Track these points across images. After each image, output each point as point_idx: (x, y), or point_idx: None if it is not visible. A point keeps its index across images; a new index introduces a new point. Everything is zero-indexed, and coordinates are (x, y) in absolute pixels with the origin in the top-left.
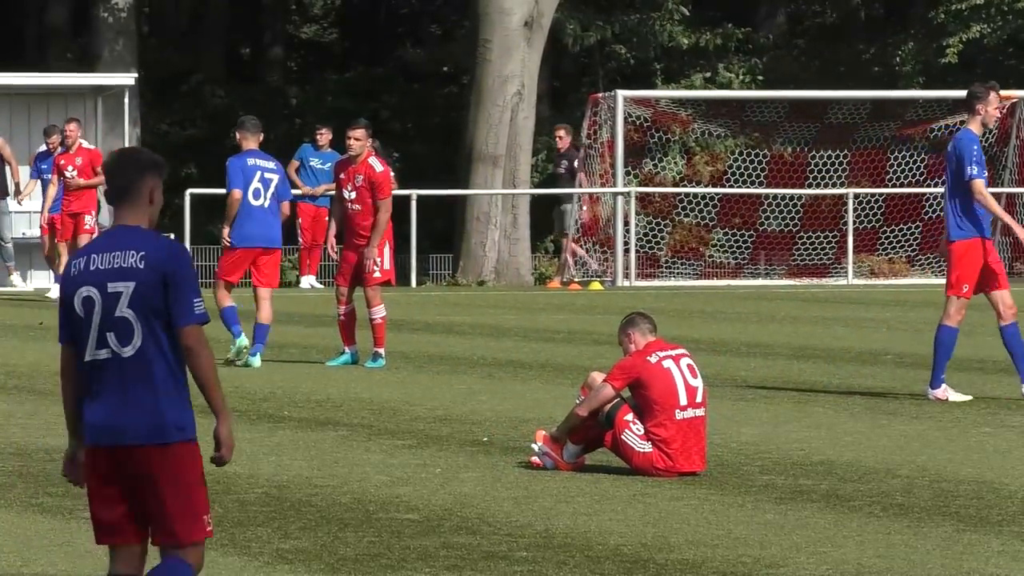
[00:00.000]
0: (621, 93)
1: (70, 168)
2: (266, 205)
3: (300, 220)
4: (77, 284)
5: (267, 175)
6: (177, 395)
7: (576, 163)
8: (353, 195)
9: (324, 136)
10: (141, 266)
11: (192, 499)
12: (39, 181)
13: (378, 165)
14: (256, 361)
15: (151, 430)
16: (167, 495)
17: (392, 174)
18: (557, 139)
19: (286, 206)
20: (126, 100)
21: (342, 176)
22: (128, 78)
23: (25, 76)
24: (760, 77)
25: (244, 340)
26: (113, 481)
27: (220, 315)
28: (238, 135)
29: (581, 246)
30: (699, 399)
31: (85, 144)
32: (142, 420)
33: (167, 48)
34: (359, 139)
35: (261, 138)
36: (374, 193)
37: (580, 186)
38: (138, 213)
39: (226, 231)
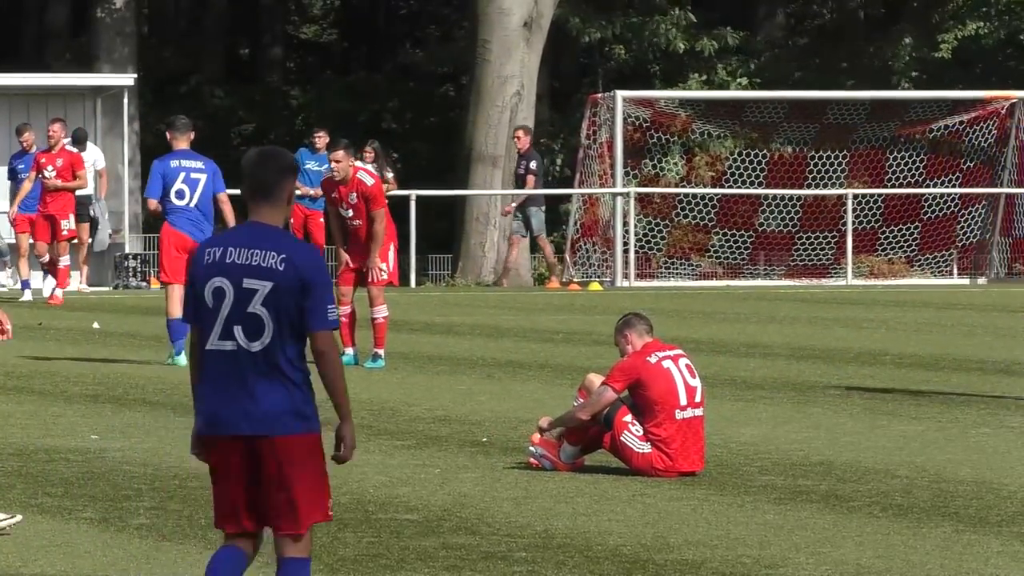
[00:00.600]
0: (620, 93)
1: (50, 168)
2: (192, 204)
3: (292, 220)
4: (210, 273)
5: (193, 175)
6: (300, 390)
7: (534, 164)
8: (350, 212)
9: (321, 139)
10: (281, 268)
11: (315, 488)
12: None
13: (367, 178)
14: (184, 359)
15: (274, 421)
16: (290, 485)
17: (385, 181)
18: (516, 140)
19: (224, 197)
20: (125, 100)
21: (334, 195)
22: (127, 78)
23: (24, 76)
24: (758, 80)
25: (183, 360)
26: (234, 469)
27: (167, 324)
28: (168, 135)
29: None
30: (698, 399)
31: (68, 146)
32: (263, 412)
33: (166, 48)
34: (340, 160)
35: (192, 137)
36: (368, 205)
37: (527, 187)
38: (276, 213)
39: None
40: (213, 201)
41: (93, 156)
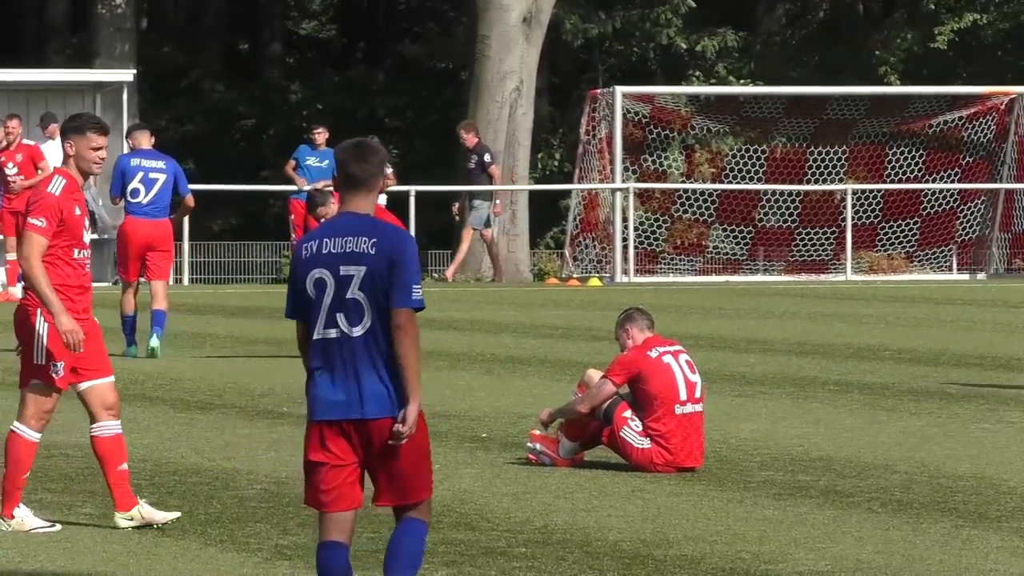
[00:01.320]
0: (620, 89)
1: (10, 164)
2: (145, 202)
3: (292, 216)
4: (309, 266)
5: (152, 174)
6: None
7: (488, 157)
8: None
9: (321, 135)
10: (372, 252)
11: (423, 464)
12: None
13: None
14: (155, 341)
15: (383, 404)
16: (402, 462)
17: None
18: (462, 139)
19: (189, 199)
20: (124, 96)
21: None
22: (127, 74)
23: (23, 72)
24: (759, 81)
25: (135, 351)
26: (341, 452)
27: (121, 320)
28: (129, 141)
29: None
30: (698, 395)
31: (26, 140)
32: (373, 395)
33: (166, 44)
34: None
35: (152, 138)
36: None
37: (492, 182)
38: (368, 202)
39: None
40: (176, 201)
41: None
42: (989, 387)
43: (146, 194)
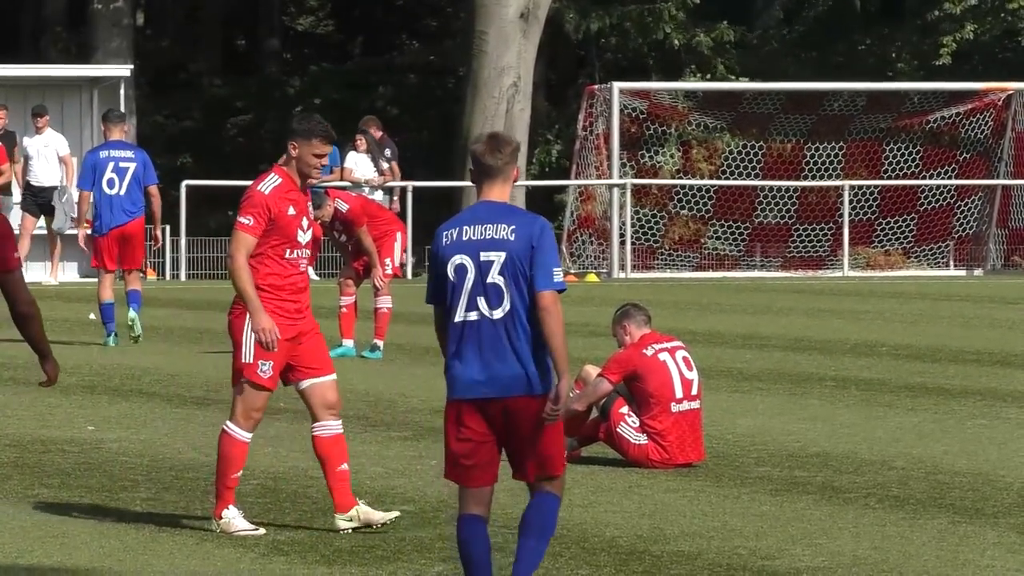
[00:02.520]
0: (617, 85)
1: None
2: (122, 193)
3: None
4: (450, 253)
5: (122, 164)
6: (543, 351)
7: (388, 152)
8: (344, 238)
9: None
10: (512, 238)
11: (558, 441)
12: None
13: (342, 204)
14: (133, 312)
15: (522, 383)
16: (537, 439)
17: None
18: (367, 135)
19: (154, 189)
20: (122, 91)
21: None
22: (124, 69)
23: (21, 68)
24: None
25: (114, 342)
26: (481, 429)
27: (100, 309)
28: (103, 126)
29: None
30: (694, 392)
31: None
32: (512, 374)
33: (163, 39)
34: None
35: (125, 129)
36: (350, 227)
37: (389, 179)
38: (504, 190)
39: (83, 227)
40: (144, 190)
41: (56, 143)
42: (986, 383)
43: (120, 184)
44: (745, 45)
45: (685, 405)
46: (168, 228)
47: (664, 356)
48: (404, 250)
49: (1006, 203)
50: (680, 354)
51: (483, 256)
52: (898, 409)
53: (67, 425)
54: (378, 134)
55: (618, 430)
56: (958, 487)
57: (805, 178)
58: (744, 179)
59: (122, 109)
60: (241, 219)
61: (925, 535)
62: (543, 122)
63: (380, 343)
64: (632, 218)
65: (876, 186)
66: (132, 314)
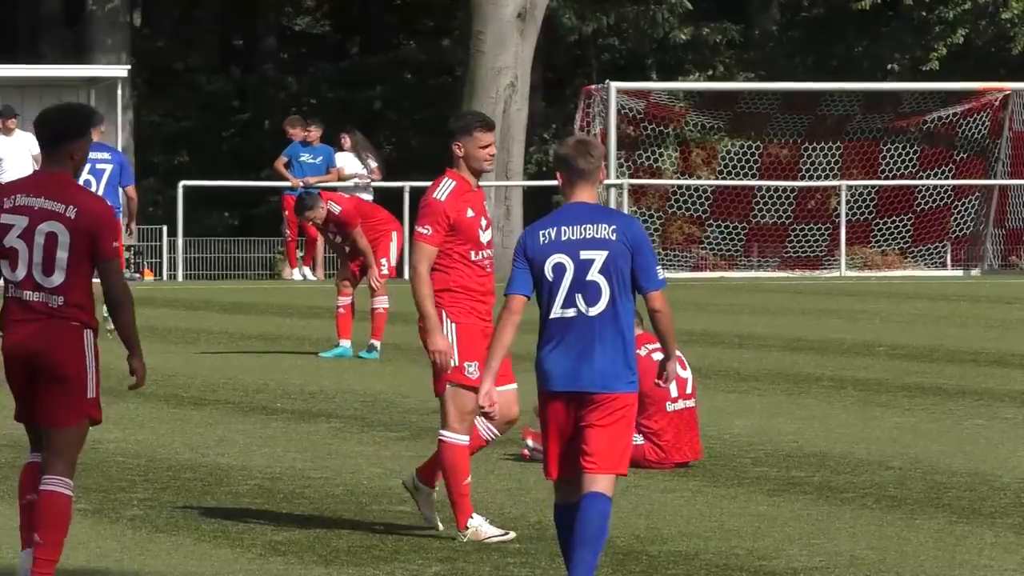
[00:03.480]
0: (614, 85)
1: None
2: (99, 193)
3: (287, 213)
4: (548, 252)
5: (99, 165)
6: (630, 349)
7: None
8: (338, 239)
9: (312, 133)
10: (613, 238)
11: (626, 439)
12: None
13: (334, 206)
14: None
15: (609, 378)
16: (612, 434)
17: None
18: (306, 134)
19: (131, 190)
20: (119, 91)
21: (318, 229)
22: (121, 70)
23: (18, 68)
24: (752, 73)
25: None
26: (568, 421)
27: None
28: None
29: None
30: (689, 390)
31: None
32: (601, 370)
33: (160, 38)
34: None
35: (103, 131)
36: (344, 229)
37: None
38: (593, 192)
39: None
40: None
41: (28, 143)
42: (983, 383)
43: (97, 185)
44: (743, 45)
45: (680, 404)
46: (166, 228)
47: (658, 356)
48: (400, 250)
49: (1003, 203)
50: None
51: (583, 255)
52: (895, 409)
53: None
54: (300, 134)
55: None
56: (955, 487)
57: (802, 178)
58: (741, 179)
59: (119, 109)
60: (420, 229)
61: (922, 535)
62: (540, 122)
63: (377, 343)
64: None
65: (873, 186)
66: (105, 312)
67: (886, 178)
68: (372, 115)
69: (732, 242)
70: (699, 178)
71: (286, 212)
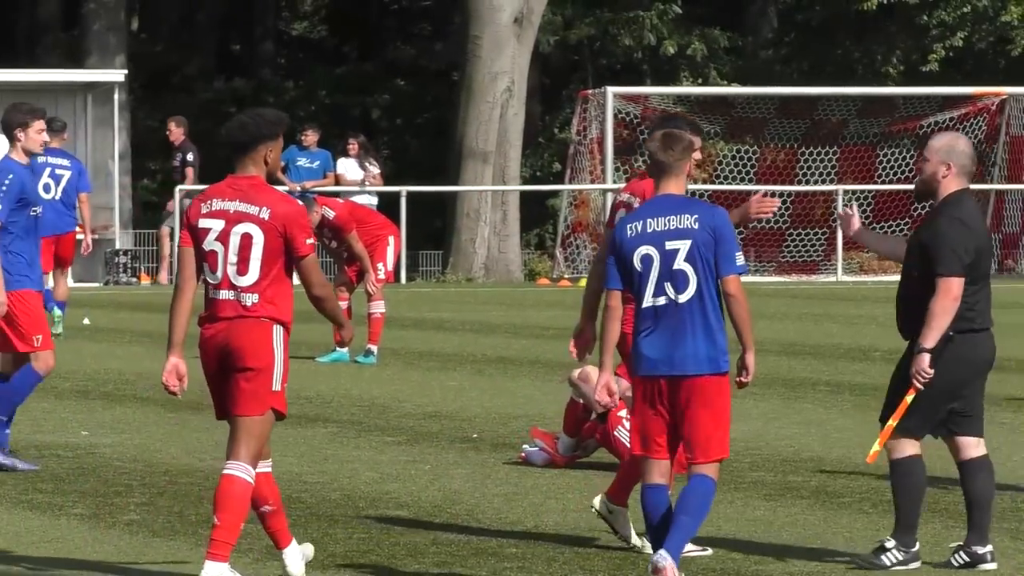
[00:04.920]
0: (611, 89)
1: None
2: (57, 197)
3: None
4: (636, 244)
5: (58, 171)
6: (719, 335)
7: (191, 156)
8: (334, 244)
9: (309, 137)
10: (696, 227)
11: (723, 422)
12: None
13: (328, 211)
14: (58, 312)
15: (702, 362)
16: (705, 417)
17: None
18: (168, 133)
19: (84, 197)
20: (116, 96)
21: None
22: (118, 74)
23: (15, 72)
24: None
25: (58, 329)
26: (662, 404)
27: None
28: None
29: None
30: None
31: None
32: (692, 354)
33: (157, 43)
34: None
35: (65, 138)
36: (339, 234)
37: (185, 181)
38: (680, 184)
39: None
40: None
41: None
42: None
43: (56, 189)
44: (738, 51)
45: None
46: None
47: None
48: (397, 255)
49: (999, 208)
50: None
51: (668, 245)
52: None
53: (61, 430)
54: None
55: (615, 433)
56: (952, 492)
57: (799, 183)
58: (738, 184)
59: (116, 113)
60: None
61: (919, 540)
62: (536, 126)
63: (374, 348)
64: None
65: (870, 191)
66: (58, 312)
67: (883, 183)
68: (369, 120)
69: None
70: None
71: None
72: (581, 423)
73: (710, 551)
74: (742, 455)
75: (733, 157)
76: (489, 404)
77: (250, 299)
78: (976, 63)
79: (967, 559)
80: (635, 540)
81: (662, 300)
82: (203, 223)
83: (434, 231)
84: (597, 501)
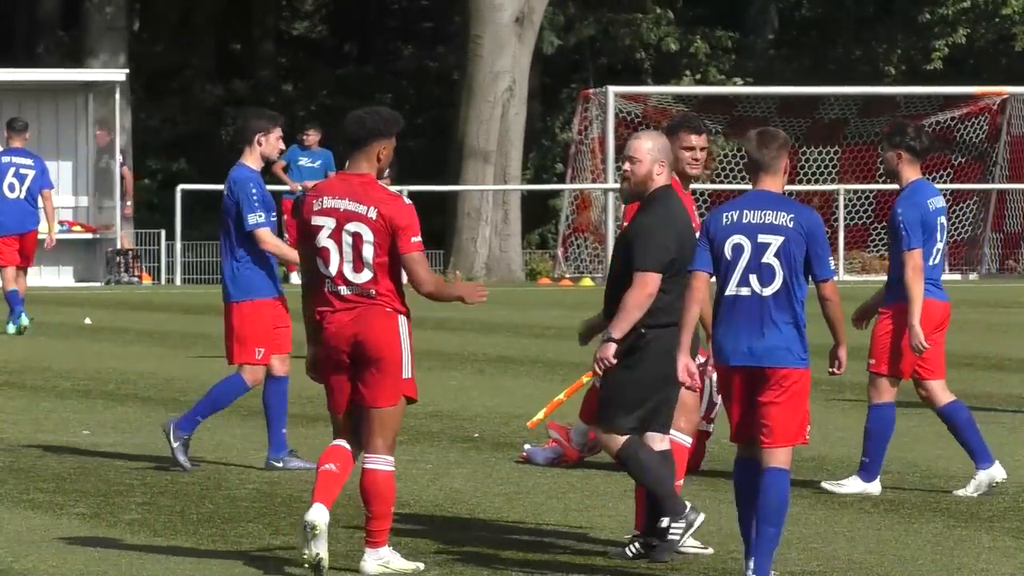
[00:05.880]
0: (612, 89)
1: None
2: (21, 196)
3: (285, 217)
4: (730, 232)
5: (22, 170)
6: (798, 330)
7: (119, 158)
8: None
9: (311, 137)
10: (790, 226)
11: (800, 413)
12: None
13: None
14: (11, 328)
15: (779, 355)
16: (786, 409)
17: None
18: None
19: (47, 193)
20: (117, 96)
21: None
22: (119, 74)
23: (16, 72)
24: (750, 78)
25: (25, 321)
26: (744, 394)
27: (5, 297)
28: (6, 133)
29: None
30: (713, 414)
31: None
32: (771, 346)
33: (158, 43)
34: None
35: (27, 138)
36: None
37: (123, 184)
38: (776, 181)
39: None
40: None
41: None
42: (981, 387)
43: (20, 188)
44: (739, 51)
45: (702, 425)
46: (164, 233)
47: None
48: None
49: (1001, 207)
50: None
51: (761, 238)
52: None
53: (62, 429)
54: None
55: None
56: (952, 492)
57: (800, 182)
58: (739, 183)
59: (117, 113)
60: None
61: (920, 539)
62: (537, 126)
63: None
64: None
65: (871, 190)
66: (11, 328)
67: (884, 182)
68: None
69: None
70: (698, 181)
71: (284, 216)
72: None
73: (711, 550)
74: None
75: (733, 156)
76: (490, 403)
77: (369, 293)
78: (978, 61)
79: (641, 550)
80: (689, 546)
81: (745, 291)
82: (316, 220)
83: (435, 230)
84: (631, 550)
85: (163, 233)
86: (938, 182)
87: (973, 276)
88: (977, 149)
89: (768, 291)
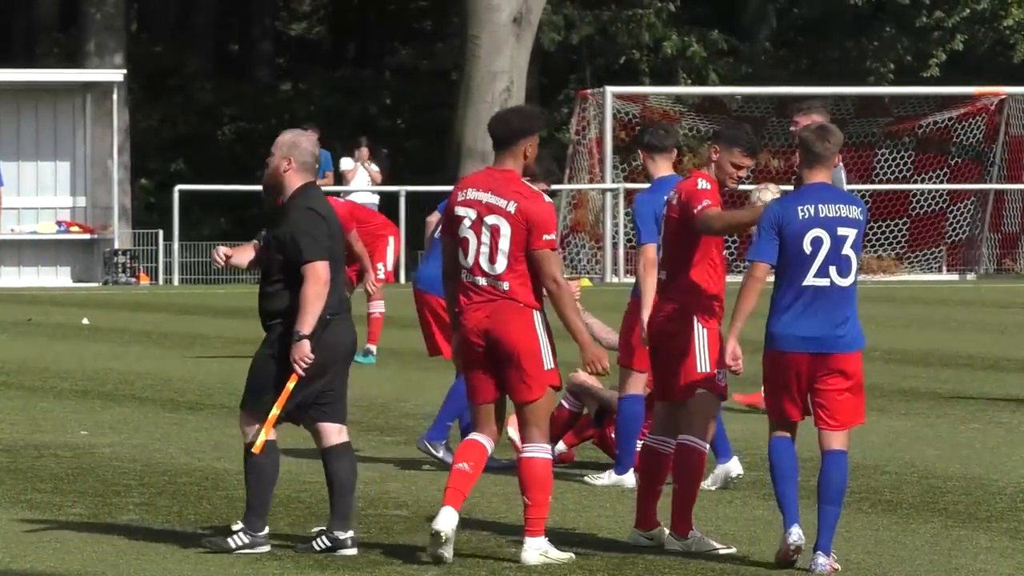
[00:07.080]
0: (610, 89)
1: None
2: None
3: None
4: (809, 226)
5: None
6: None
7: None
8: None
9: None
10: (860, 219)
11: (860, 396)
12: None
13: None
14: None
15: (852, 341)
16: (852, 393)
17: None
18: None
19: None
20: (115, 96)
21: None
22: (117, 74)
23: (14, 72)
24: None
25: None
26: (804, 379)
27: None
28: None
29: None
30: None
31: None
32: (850, 335)
33: (156, 44)
34: None
35: None
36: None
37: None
38: (828, 174)
39: None
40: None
41: None
42: (979, 387)
43: None
44: (736, 52)
45: None
46: (162, 233)
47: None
48: (397, 255)
49: (999, 207)
50: None
51: (840, 231)
52: (891, 413)
53: (60, 430)
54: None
55: (612, 435)
56: (951, 492)
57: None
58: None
59: (115, 113)
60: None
61: (918, 539)
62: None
63: (373, 348)
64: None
65: (868, 191)
66: None
67: (881, 183)
68: (367, 120)
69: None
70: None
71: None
72: (566, 429)
73: (733, 549)
74: (740, 455)
75: None
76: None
77: (503, 285)
78: (976, 64)
79: (328, 544)
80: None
81: (824, 282)
82: (459, 211)
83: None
84: (669, 543)
85: (160, 233)
86: (935, 182)
87: (971, 276)
88: (975, 149)
89: (846, 282)
